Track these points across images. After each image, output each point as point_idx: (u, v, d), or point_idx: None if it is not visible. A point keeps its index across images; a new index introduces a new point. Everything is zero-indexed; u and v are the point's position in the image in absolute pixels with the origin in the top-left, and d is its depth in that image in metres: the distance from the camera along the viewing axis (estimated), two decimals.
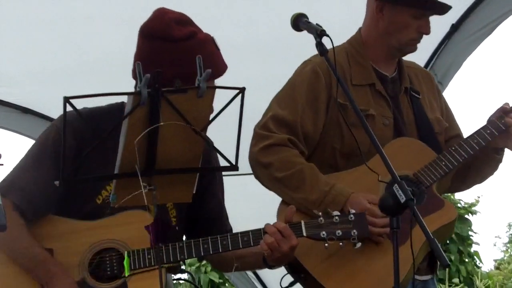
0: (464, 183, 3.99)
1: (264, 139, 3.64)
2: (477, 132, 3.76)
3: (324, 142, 3.72)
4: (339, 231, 3.41)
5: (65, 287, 3.29)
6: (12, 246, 3.34)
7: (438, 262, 3.77)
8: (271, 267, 3.50)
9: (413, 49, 3.81)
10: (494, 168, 3.92)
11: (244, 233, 3.41)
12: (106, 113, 3.46)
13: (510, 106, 3.81)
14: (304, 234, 3.41)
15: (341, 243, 3.43)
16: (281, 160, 3.62)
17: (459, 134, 3.96)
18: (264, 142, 3.63)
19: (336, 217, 3.42)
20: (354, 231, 3.41)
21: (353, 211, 3.44)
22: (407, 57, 3.99)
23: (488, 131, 3.76)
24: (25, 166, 3.45)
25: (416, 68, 4.01)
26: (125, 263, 3.22)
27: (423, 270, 3.78)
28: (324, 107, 3.70)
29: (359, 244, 3.45)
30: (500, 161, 3.88)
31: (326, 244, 3.41)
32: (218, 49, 3.45)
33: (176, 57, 3.34)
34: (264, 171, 3.65)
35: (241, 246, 3.40)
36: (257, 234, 3.41)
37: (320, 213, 3.44)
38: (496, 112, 3.81)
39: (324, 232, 3.41)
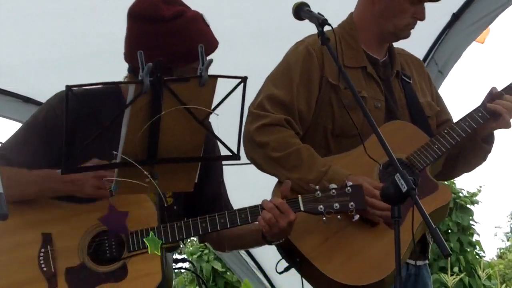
0: (453, 172, 3.99)
1: (260, 118, 3.63)
2: (469, 115, 3.77)
3: (316, 123, 3.72)
4: (336, 204, 3.38)
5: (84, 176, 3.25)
6: (11, 184, 3.17)
7: (429, 247, 3.80)
8: (270, 243, 3.48)
9: (407, 34, 3.80)
10: (483, 158, 3.91)
11: (242, 210, 3.38)
12: (102, 95, 3.44)
13: (497, 90, 3.82)
14: (302, 208, 3.38)
15: (339, 216, 3.40)
16: (277, 140, 3.60)
17: (450, 119, 3.96)
18: (260, 122, 3.62)
19: (333, 190, 3.39)
20: (352, 203, 3.38)
21: (350, 183, 3.42)
22: (407, 46, 3.99)
23: (480, 114, 3.77)
24: (15, 141, 3.45)
25: (406, 55, 4.02)
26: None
27: (416, 256, 3.77)
28: (316, 87, 3.70)
29: (357, 217, 3.41)
30: (489, 151, 3.88)
31: (324, 218, 3.38)
32: (207, 26, 3.42)
33: (166, 37, 3.31)
34: (259, 150, 3.63)
35: (239, 223, 3.37)
36: (255, 210, 3.37)
37: (317, 187, 3.41)
38: (486, 96, 3.83)
39: (321, 206, 3.38)
